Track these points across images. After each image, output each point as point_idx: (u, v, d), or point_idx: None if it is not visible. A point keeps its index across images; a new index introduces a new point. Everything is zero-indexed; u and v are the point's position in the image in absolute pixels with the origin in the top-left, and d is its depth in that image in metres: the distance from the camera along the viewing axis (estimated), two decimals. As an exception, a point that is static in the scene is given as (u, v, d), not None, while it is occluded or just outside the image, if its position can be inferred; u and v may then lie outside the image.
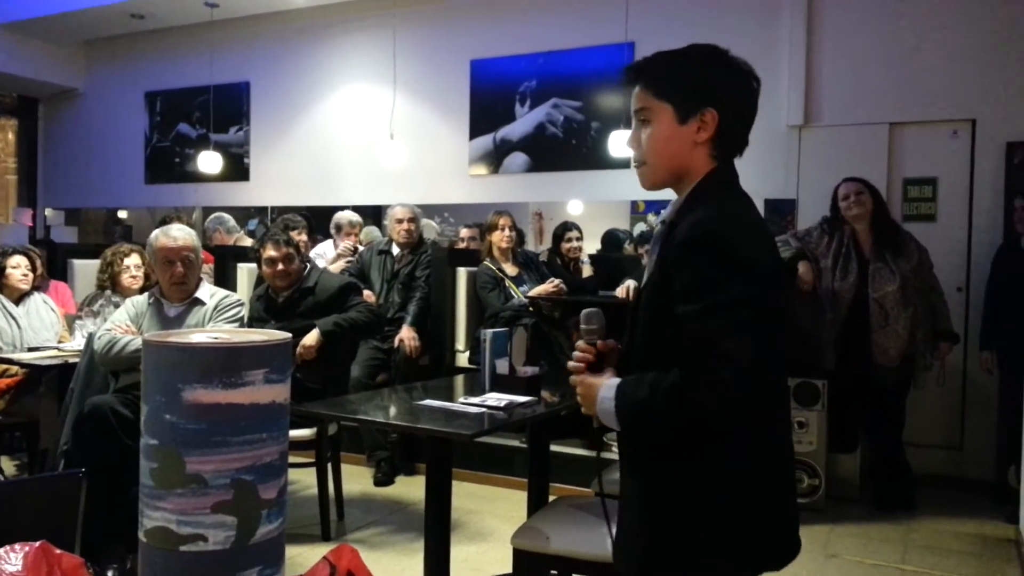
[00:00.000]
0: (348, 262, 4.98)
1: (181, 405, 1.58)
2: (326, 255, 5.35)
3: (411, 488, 4.18)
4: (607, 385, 1.40)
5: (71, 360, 3.56)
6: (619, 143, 5.03)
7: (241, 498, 1.61)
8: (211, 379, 1.58)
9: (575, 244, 5.23)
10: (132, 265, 4.18)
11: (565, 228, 5.26)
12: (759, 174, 4.73)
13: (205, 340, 1.65)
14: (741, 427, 1.34)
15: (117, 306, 3.65)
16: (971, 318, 4.41)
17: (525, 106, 5.79)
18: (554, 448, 3.42)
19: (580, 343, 1.52)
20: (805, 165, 4.85)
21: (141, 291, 3.97)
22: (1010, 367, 3.90)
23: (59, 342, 4.07)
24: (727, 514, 1.35)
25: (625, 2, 5.11)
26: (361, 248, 5.10)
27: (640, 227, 6.29)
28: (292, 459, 3.52)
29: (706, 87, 1.41)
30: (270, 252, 3.62)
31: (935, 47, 4.57)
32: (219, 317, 3.23)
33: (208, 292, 3.32)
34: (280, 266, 3.61)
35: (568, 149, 5.65)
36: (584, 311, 1.56)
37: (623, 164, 5.34)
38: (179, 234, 3.24)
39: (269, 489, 1.65)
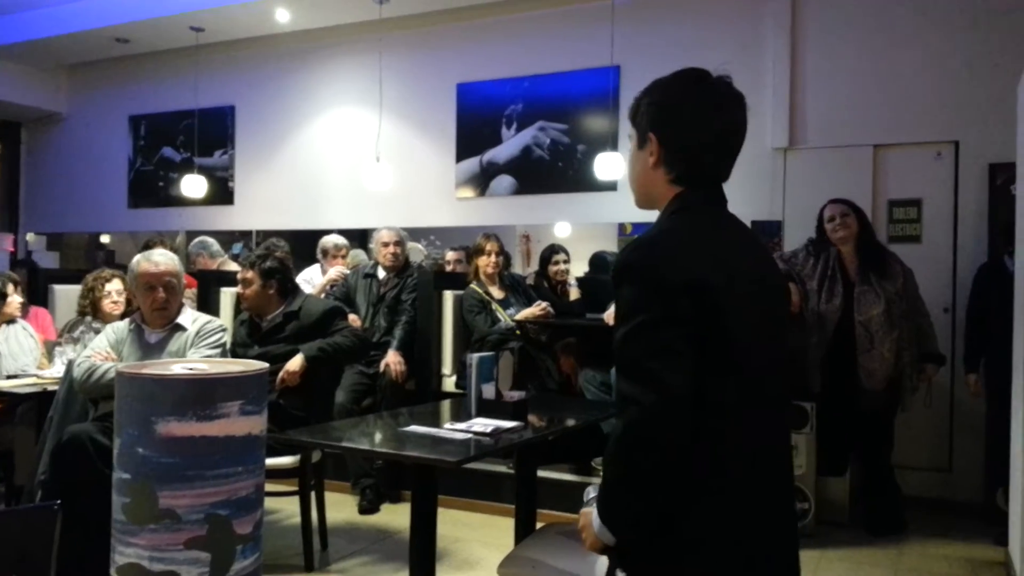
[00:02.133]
0: (333, 285, 4.94)
1: (154, 438, 1.53)
2: (313, 280, 5.30)
3: (397, 516, 4.12)
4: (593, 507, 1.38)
5: (50, 388, 3.50)
6: (605, 165, 5.04)
7: (215, 533, 1.56)
8: (185, 411, 1.54)
9: (562, 267, 5.21)
10: (113, 291, 4.12)
11: (552, 251, 5.24)
12: (745, 196, 4.73)
13: (179, 372, 1.61)
14: (708, 455, 1.29)
15: (98, 332, 3.58)
16: (958, 339, 4.42)
17: (511, 129, 5.80)
18: (542, 474, 3.38)
19: (582, 511, 1.46)
20: (791, 187, 4.87)
21: (122, 317, 3.91)
22: (998, 388, 3.90)
23: (38, 368, 4.00)
24: (699, 548, 1.30)
25: (611, 26, 5.14)
26: (347, 271, 5.06)
27: (627, 249, 6.28)
28: (275, 487, 3.47)
29: (651, 111, 1.42)
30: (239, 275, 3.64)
31: (918, 70, 4.62)
32: (201, 343, 3.18)
33: (190, 318, 3.28)
34: (239, 288, 3.60)
35: (555, 172, 5.65)
36: (587, 488, 1.57)
37: (609, 186, 5.35)
38: (161, 259, 3.19)
39: (244, 524, 1.60)
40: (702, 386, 1.26)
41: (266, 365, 1.71)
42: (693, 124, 1.40)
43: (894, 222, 4.62)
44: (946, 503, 4.29)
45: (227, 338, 3.39)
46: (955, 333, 4.43)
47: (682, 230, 1.38)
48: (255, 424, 1.63)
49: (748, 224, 4.67)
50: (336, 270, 5.06)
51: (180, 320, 3.24)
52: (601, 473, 1.34)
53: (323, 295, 4.81)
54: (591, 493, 1.52)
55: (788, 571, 1.42)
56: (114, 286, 4.13)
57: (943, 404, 4.35)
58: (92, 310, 4.13)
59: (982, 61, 4.44)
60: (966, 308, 4.14)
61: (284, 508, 4.02)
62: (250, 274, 3.58)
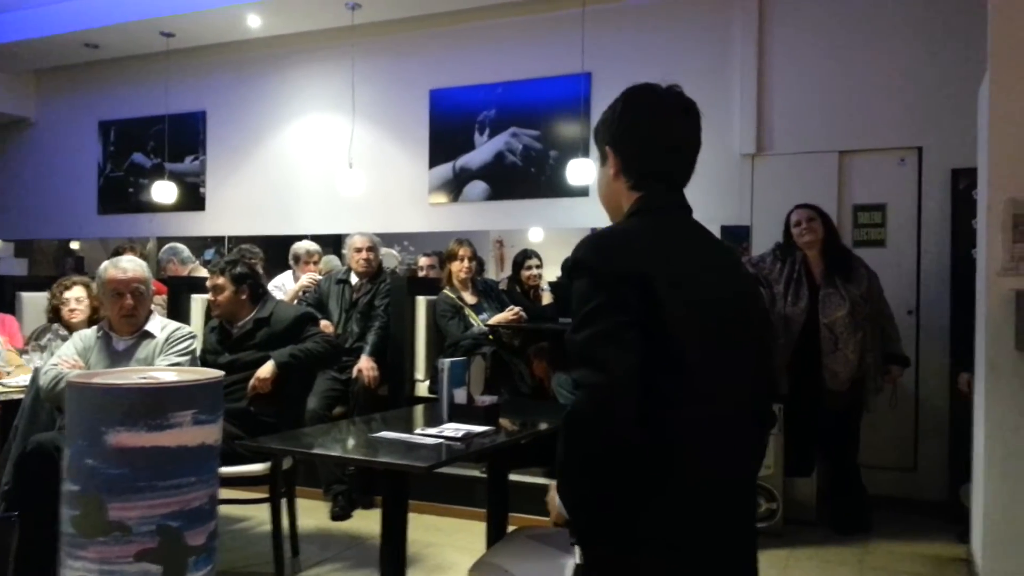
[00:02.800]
0: (305, 291, 4.92)
1: (104, 449, 1.51)
2: (285, 287, 5.28)
3: (369, 522, 4.10)
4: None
5: (15, 396, 3.45)
6: (577, 171, 5.08)
7: (167, 545, 1.54)
8: (135, 421, 1.52)
9: (535, 272, 5.24)
10: (73, 298, 4.06)
11: (525, 256, 5.27)
12: (714, 202, 4.80)
13: (129, 381, 1.60)
14: (657, 446, 1.32)
15: (65, 340, 3.55)
16: (922, 341, 4.51)
17: (484, 135, 5.82)
18: (514, 478, 3.39)
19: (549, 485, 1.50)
20: (758, 192, 4.93)
21: (89, 324, 3.87)
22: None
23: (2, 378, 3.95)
24: (651, 537, 1.34)
25: (582, 34, 5.19)
26: (320, 278, 5.04)
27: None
28: (245, 495, 3.46)
29: (604, 127, 1.52)
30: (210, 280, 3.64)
31: (883, 78, 4.71)
32: (170, 350, 3.16)
33: (159, 325, 3.26)
34: (210, 295, 3.59)
35: (527, 177, 5.68)
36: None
37: (582, 192, 5.39)
38: (129, 266, 3.17)
39: (197, 535, 1.59)
40: (648, 376, 1.30)
41: (221, 374, 1.70)
42: (644, 133, 1.49)
43: (859, 226, 4.70)
44: (911, 502, 4.36)
45: (197, 345, 3.37)
46: (919, 335, 4.52)
47: (632, 228, 1.44)
48: (209, 434, 1.61)
49: (717, 228, 4.81)
50: (308, 276, 5.04)
51: (148, 327, 3.22)
52: (557, 447, 1.38)
53: (295, 301, 4.80)
54: None
55: (743, 570, 1.45)
56: (74, 293, 4.08)
57: (908, 405, 4.43)
58: (56, 317, 4.09)
59: (944, 69, 4.54)
60: (951, 309, 4.18)
61: (255, 515, 4.00)
62: (221, 280, 3.57)
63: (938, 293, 4.47)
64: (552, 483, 1.44)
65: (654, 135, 1.48)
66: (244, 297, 3.58)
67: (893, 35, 4.69)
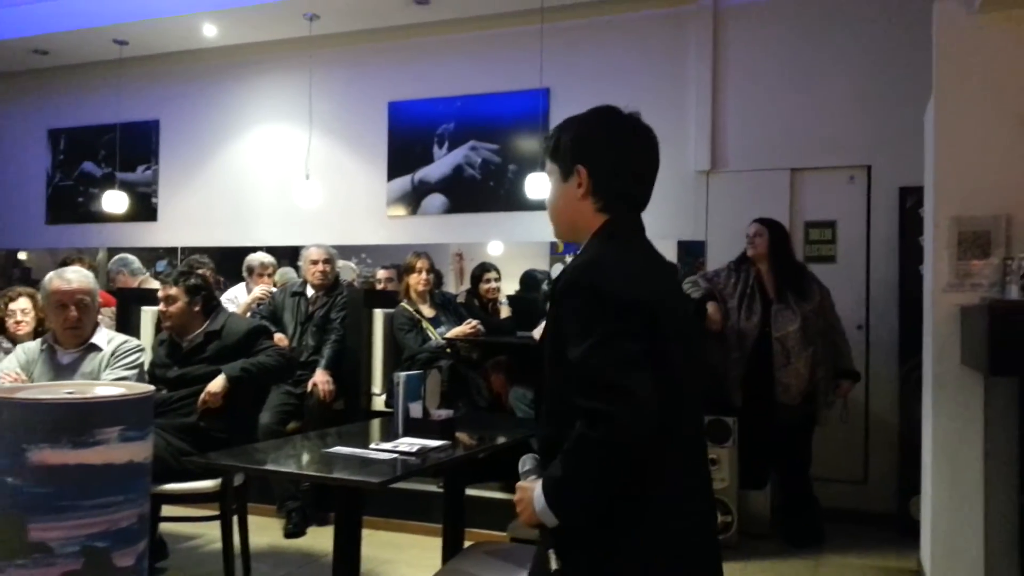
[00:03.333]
0: (259, 304, 4.84)
1: (25, 467, 1.45)
2: (238, 300, 5.19)
3: (324, 539, 4.04)
4: (539, 485, 1.42)
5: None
6: (536, 185, 5.10)
7: (93, 567, 1.48)
8: (59, 438, 1.46)
9: (493, 285, 5.23)
10: (19, 310, 3.93)
11: (483, 269, 5.26)
12: (670, 218, 4.86)
13: (53, 395, 1.54)
14: (654, 465, 1.36)
15: (8, 353, 3.44)
16: (872, 356, 4.60)
17: (443, 148, 5.82)
18: (471, 492, 3.38)
19: (518, 484, 1.51)
20: (713, 208, 5.01)
21: (35, 336, 3.76)
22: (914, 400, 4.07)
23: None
24: (634, 545, 1.37)
25: (540, 50, 5.22)
26: (274, 290, 4.97)
27: (558, 268, 6.35)
28: (195, 512, 3.38)
29: (578, 145, 1.52)
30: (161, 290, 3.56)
31: (833, 98, 4.82)
32: (116, 364, 3.08)
33: (105, 337, 3.17)
34: (161, 305, 3.52)
35: (486, 191, 5.69)
36: (522, 458, 1.60)
37: (541, 206, 5.33)
38: (73, 277, 3.09)
39: (125, 556, 1.53)
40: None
41: (151, 388, 1.66)
42: (617, 155, 1.51)
43: (810, 243, 4.80)
44: (862, 514, 4.43)
45: (145, 359, 3.30)
46: (869, 350, 4.61)
47: (620, 254, 1.45)
48: (137, 451, 1.56)
49: (673, 244, 4.86)
50: (261, 288, 4.96)
51: (95, 340, 3.13)
52: (562, 463, 1.37)
53: (248, 314, 4.72)
54: (527, 464, 1.54)
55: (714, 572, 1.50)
56: (19, 305, 3.95)
57: (858, 418, 4.51)
58: (1, 329, 3.96)
59: (893, 91, 4.67)
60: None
61: (206, 533, 3.91)
62: (174, 290, 3.49)
63: (887, 308, 4.57)
64: (528, 484, 1.45)
65: (629, 157, 1.51)
66: (197, 309, 3.50)
67: (844, 57, 4.82)
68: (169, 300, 3.49)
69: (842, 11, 4.83)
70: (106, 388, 1.76)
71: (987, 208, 3.02)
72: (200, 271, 4.05)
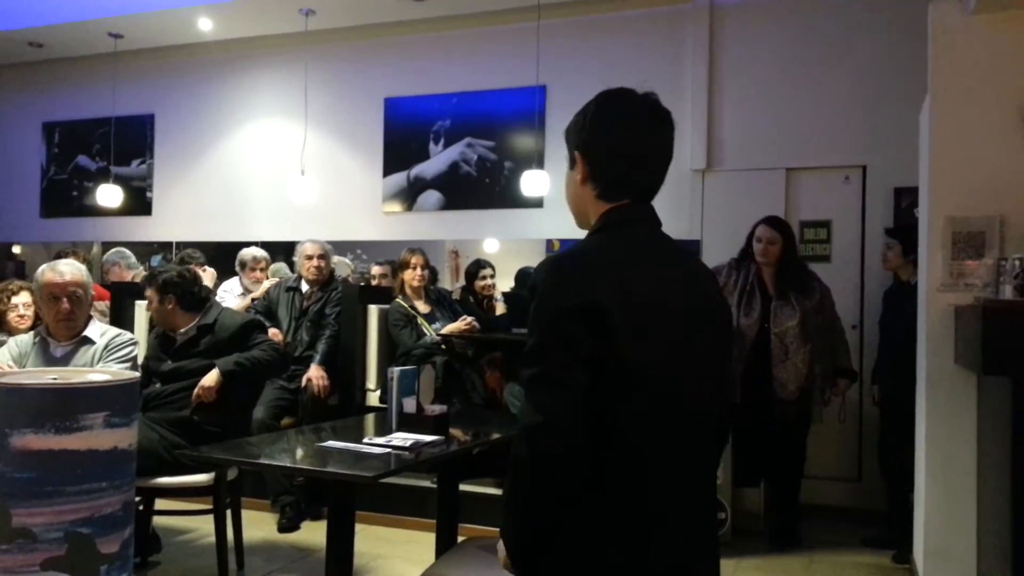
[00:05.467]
0: (254, 299, 4.84)
1: (8, 452, 1.45)
2: (232, 292, 5.18)
3: (317, 534, 4.03)
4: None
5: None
6: (532, 183, 5.10)
7: (76, 553, 1.48)
8: (43, 423, 1.45)
9: (489, 281, 5.24)
10: (20, 304, 3.93)
11: (479, 266, 5.27)
12: (665, 216, 4.76)
13: (37, 381, 1.53)
14: (619, 474, 1.29)
15: (1, 346, 3.43)
16: (866, 355, 4.61)
17: (439, 144, 5.81)
18: (465, 488, 3.38)
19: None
20: (708, 207, 5.01)
21: (30, 330, 3.74)
22: (893, 403, 4.08)
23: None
24: (607, 566, 1.28)
25: (536, 47, 5.22)
26: (268, 283, 4.96)
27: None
28: (189, 506, 3.38)
29: (577, 130, 1.45)
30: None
31: (828, 98, 4.83)
32: (109, 357, 3.07)
33: (98, 330, 3.16)
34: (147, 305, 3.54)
35: (482, 188, 5.68)
36: (515, 387, 1.56)
37: (536, 203, 5.41)
38: (66, 269, 3.08)
39: (110, 543, 1.53)
40: (605, 407, 1.26)
41: (136, 375, 1.65)
42: (614, 140, 1.41)
43: (805, 242, 4.80)
44: (856, 512, 4.44)
45: (139, 352, 3.29)
46: (863, 349, 4.62)
47: (591, 250, 1.38)
48: (123, 437, 1.55)
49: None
50: (270, 282, 4.96)
51: (87, 333, 3.12)
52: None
53: (248, 309, 4.71)
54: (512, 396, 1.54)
55: None
56: (21, 299, 3.95)
57: (852, 417, 4.51)
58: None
59: (888, 91, 4.68)
60: (878, 325, 4.30)
61: (199, 527, 3.91)
62: (148, 292, 3.51)
63: (881, 308, 4.57)
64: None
65: (622, 142, 1.41)
66: (171, 306, 3.47)
67: (840, 57, 4.83)
68: (148, 301, 3.52)
69: (838, 11, 4.84)
70: (91, 374, 1.75)
71: (982, 208, 3.03)
72: (191, 265, 4.04)
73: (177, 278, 3.51)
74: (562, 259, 1.36)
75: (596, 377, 1.26)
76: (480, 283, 5.20)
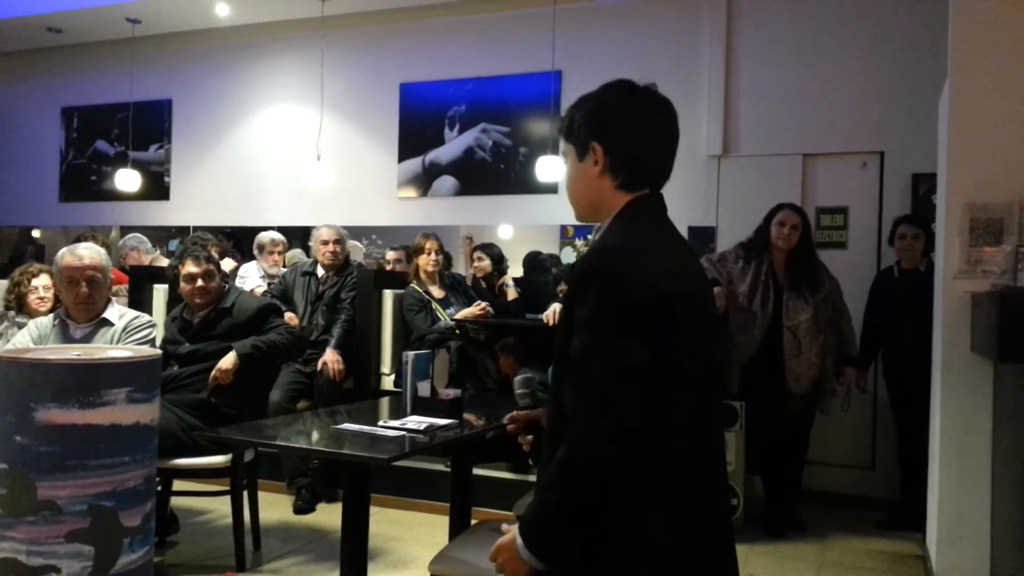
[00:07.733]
0: (270, 283, 4.88)
1: (33, 426, 1.47)
2: (249, 276, 5.23)
3: (332, 515, 4.08)
4: (515, 528, 1.33)
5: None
6: (546, 168, 5.10)
7: (100, 526, 1.51)
8: (67, 398, 1.48)
9: (479, 264, 5.34)
10: (41, 286, 3.98)
11: (475, 248, 5.42)
12: (681, 202, 4.84)
13: (61, 357, 1.56)
14: (665, 467, 1.29)
15: (22, 328, 3.48)
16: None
17: (454, 130, 5.81)
18: (478, 472, 3.40)
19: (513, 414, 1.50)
20: (724, 193, 4.99)
21: (50, 312, 3.79)
22: (900, 391, 4.06)
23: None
24: (648, 559, 1.29)
25: (552, 32, 5.20)
26: (285, 270, 5.00)
27: (568, 251, 6.35)
28: (206, 487, 3.42)
29: (592, 122, 1.44)
30: (190, 268, 3.50)
31: (846, 83, 4.79)
32: (128, 338, 3.11)
33: (117, 313, 3.20)
34: (200, 282, 3.49)
35: (497, 173, 5.68)
36: (519, 377, 1.60)
37: (551, 189, 5.40)
38: (85, 253, 3.12)
39: (132, 516, 1.55)
40: (662, 399, 1.26)
41: (158, 352, 1.67)
42: (634, 130, 1.43)
43: (821, 229, 4.77)
44: (869, 499, 4.44)
45: (157, 334, 3.33)
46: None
47: (642, 241, 1.37)
48: (144, 413, 1.58)
49: (684, 229, 4.85)
50: (282, 270, 5.01)
51: (106, 315, 3.16)
52: (537, 495, 1.31)
53: (265, 293, 4.75)
54: (520, 387, 1.57)
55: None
56: (41, 281, 4.00)
57: (865, 404, 4.50)
58: (18, 305, 4.00)
59: (906, 76, 4.62)
60: (864, 312, 4.26)
61: (216, 508, 3.96)
62: (208, 266, 3.51)
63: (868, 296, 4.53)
64: (506, 529, 1.36)
65: (646, 132, 1.44)
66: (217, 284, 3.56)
67: (858, 42, 4.77)
68: (208, 276, 3.51)
69: (858, -5, 4.78)
70: (114, 351, 1.78)
71: (1000, 195, 3.00)
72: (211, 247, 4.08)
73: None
74: (623, 247, 1.35)
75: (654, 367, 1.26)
76: (477, 264, 5.31)
